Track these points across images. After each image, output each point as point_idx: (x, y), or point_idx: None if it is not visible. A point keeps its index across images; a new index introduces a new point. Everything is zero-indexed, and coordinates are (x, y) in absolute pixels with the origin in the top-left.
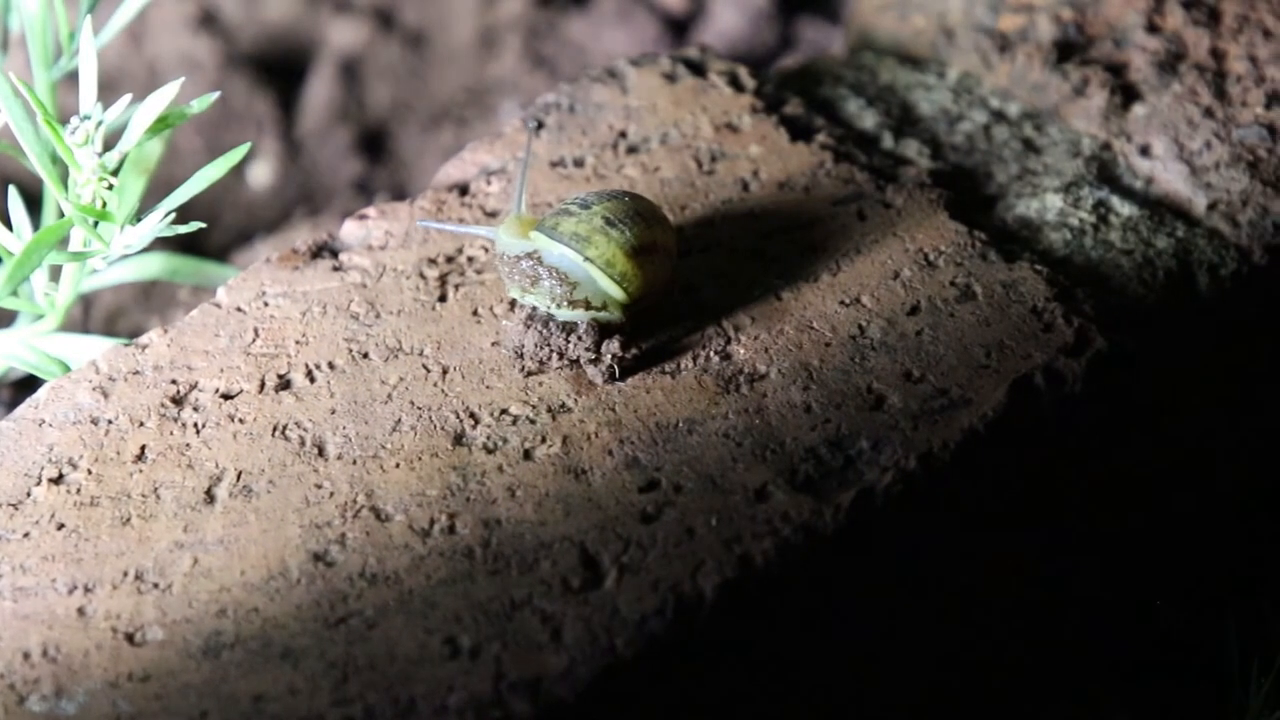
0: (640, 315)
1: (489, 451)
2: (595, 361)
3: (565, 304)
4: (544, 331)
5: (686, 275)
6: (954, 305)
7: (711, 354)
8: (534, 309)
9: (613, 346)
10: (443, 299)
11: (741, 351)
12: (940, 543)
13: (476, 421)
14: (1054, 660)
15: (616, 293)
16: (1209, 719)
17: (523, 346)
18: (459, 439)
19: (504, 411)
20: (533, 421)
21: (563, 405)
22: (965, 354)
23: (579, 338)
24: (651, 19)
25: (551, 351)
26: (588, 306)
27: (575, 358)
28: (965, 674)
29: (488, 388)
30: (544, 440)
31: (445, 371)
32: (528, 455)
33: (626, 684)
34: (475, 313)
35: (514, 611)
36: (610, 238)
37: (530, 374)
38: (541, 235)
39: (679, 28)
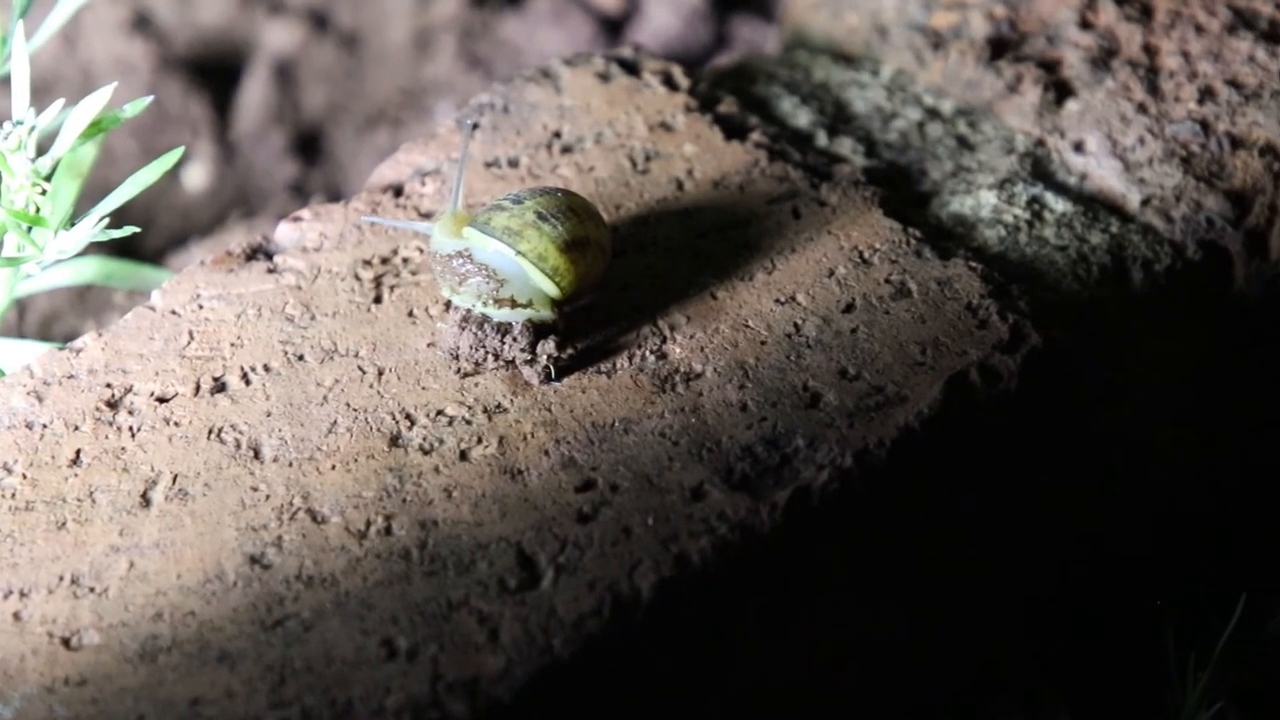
0: (575, 315)
1: (425, 453)
2: (531, 362)
3: (492, 302)
4: (479, 333)
5: (622, 275)
6: (889, 303)
7: (647, 353)
8: (469, 311)
9: (548, 347)
10: (378, 300)
11: (677, 350)
12: (878, 540)
13: (412, 423)
14: (993, 656)
15: (549, 288)
16: (1147, 713)
17: (458, 348)
18: (395, 440)
19: (440, 412)
20: (469, 422)
21: (499, 406)
22: (901, 351)
23: (514, 339)
24: (586, 19)
25: (487, 353)
26: (514, 304)
27: (511, 359)
28: (905, 670)
29: (423, 389)
30: (480, 441)
31: (381, 373)
32: (464, 456)
33: (564, 684)
34: (411, 314)
35: (451, 612)
36: (542, 232)
37: (466, 375)
38: (474, 231)
39: (614, 27)
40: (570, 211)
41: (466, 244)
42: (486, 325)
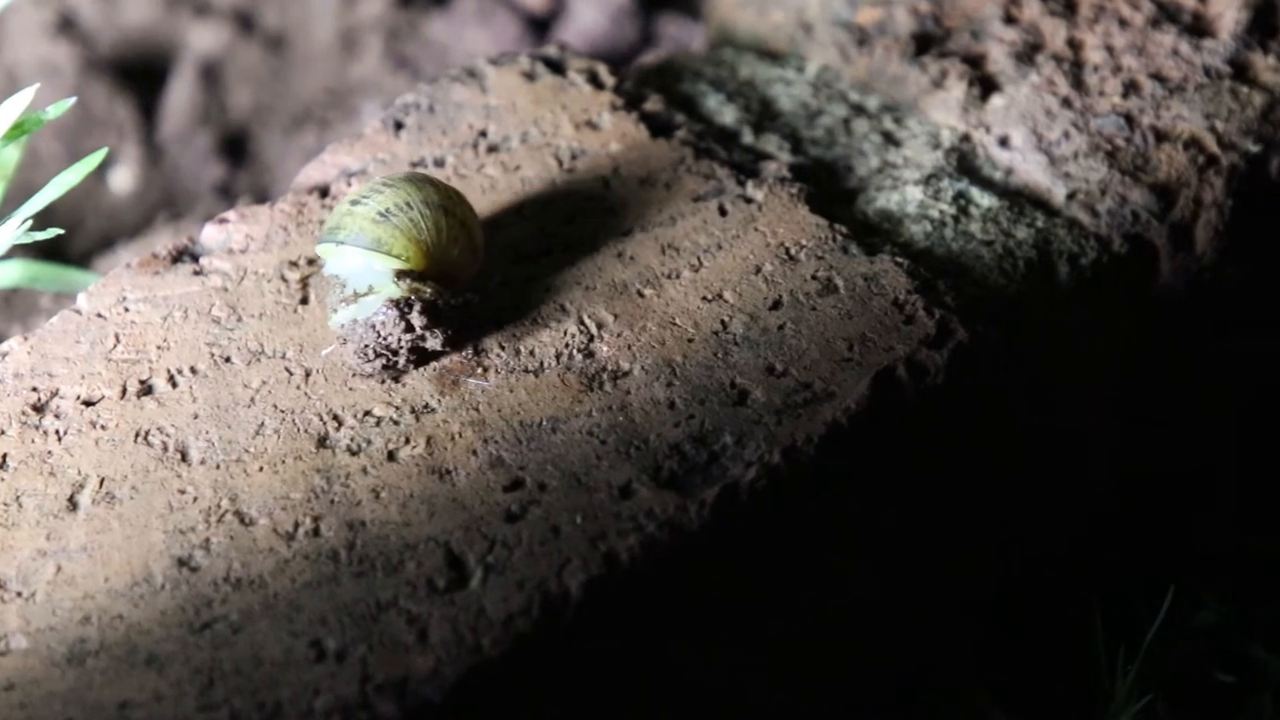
0: (503, 311)
1: (353, 453)
2: (423, 337)
3: (345, 306)
4: (358, 341)
5: (548, 274)
6: (816, 299)
7: (575, 352)
8: (340, 327)
9: (418, 318)
10: (304, 301)
11: (605, 349)
12: (807, 537)
13: (340, 423)
14: (923, 651)
15: (382, 262)
16: (1078, 706)
17: (354, 366)
18: (323, 441)
19: (367, 413)
20: (396, 422)
21: (426, 406)
22: (828, 347)
23: (385, 325)
24: (513, 18)
25: (380, 353)
26: (357, 297)
27: (399, 345)
28: (837, 667)
29: (351, 389)
30: (408, 441)
31: (308, 374)
32: (392, 456)
33: (494, 684)
34: (334, 328)
35: (380, 613)
36: (355, 215)
37: (384, 381)
38: (319, 250)
39: (540, 26)
40: (383, 186)
41: (323, 264)
42: (358, 330)
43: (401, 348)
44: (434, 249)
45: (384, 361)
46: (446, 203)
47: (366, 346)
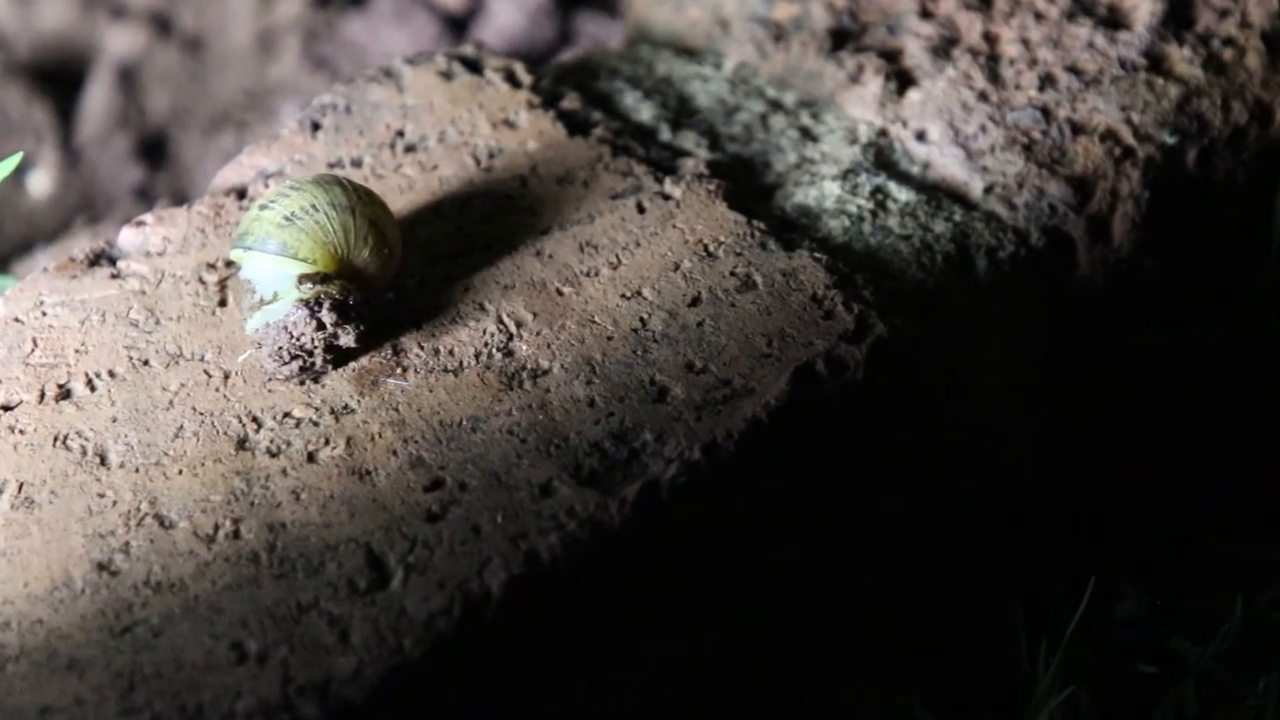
0: (421, 311)
1: (272, 455)
2: (334, 334)
3: (251, 312)
4: (272, 345)
5: (467, 273)
6: (735, 295)
7: (494, 351)
8: (254, 332)
9: (328, 315)
10: (223, 304)
11: (524, 348)
12: (728, 533)
13: (259, 425)
14: (846, 645)
15: (289, 267)
16: (1000, 700)
17: (271, 371)
18: (242, 444)
19: (287, 415)
20: (316, 424)
21: (345, 407)
22: (747, 343)
23: (297, 326)
24: (431, 18)
25: (295, 355)
26: (263, 303)
27: (314, 345)
28: (759, 664)
29: (270, 391)
30: (328, 442)
31: (227, 376)
32: (311, 458)
33: (416, 684)
34: (249, 333)
35: (301, 615)
36: (262, 219)
37: (304, 382)
38: (231, 253)
39: (458, 26)
40: (291, 190)
41: (239, 268)
42: (271, 333)
43: (316, 347)
44: (342, 251)
45: (300, 363)
46: (355, 204)
47: (281, 349)
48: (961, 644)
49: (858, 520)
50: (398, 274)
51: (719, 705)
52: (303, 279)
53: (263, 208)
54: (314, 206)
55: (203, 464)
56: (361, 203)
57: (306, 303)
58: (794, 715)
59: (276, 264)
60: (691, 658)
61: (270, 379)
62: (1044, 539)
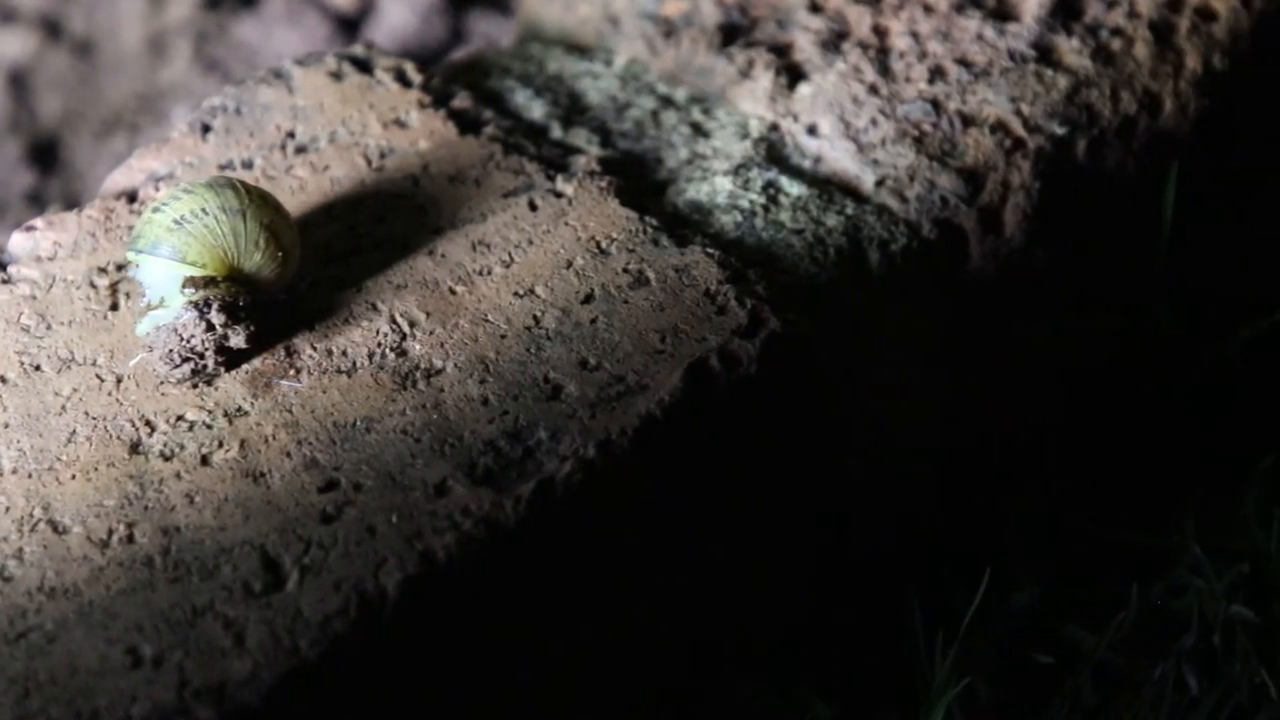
0: (311, 313)
1: (166, 459)
2: (224, 335)
3: (142, 316)
4: (166, 346)
5: (359, 273)
6: (627, 292)
7: (387, 351)
8: (146, 334)
9: (217, 317)
10: (114, 308)
11: (417, 347)
12: (624, 529)
13: (153, 429)
14: (744, 641)
15: (178, 270)
16: (898, 692)
17: (163, 374)
18: (135, 448)
19: (180, 418)
20: (209, 426)
21: (239, 409)
22: (640, 340)
23: (187, 328)
24: (322, 19)
25: (185, 357)
26: (151, 308)
27: (204, 347)
28: (657, 658)
29: (163, 395)
30: (221, 445)
31: (119, 380)
32: (205, 461)
33: (312, 686)
34: (140, 336)
35: (196, 618)
36: (153, 222)
37: (196, 385)
38: (127, 255)
39: (350, 26)
40: (182, 193)
41: (134, 271)
42: (162, 336)
43: (206, 349)
44: (232, 255)
45: (192, 365)
46: (246, 207)
47: (172, 351)
48: (859, 638)
49: (753, 515)
50: (294, 278)
51: (616, 703)
52: (188, 282)
53: (155, 210)
54: (204, 210)
55: (96, 469)
56: (254, 206)
57: (196, 305)
58: (692, 712)
59: (166, 267)
60: (589, 656)
61: (163, 382)
62: (939, 531)
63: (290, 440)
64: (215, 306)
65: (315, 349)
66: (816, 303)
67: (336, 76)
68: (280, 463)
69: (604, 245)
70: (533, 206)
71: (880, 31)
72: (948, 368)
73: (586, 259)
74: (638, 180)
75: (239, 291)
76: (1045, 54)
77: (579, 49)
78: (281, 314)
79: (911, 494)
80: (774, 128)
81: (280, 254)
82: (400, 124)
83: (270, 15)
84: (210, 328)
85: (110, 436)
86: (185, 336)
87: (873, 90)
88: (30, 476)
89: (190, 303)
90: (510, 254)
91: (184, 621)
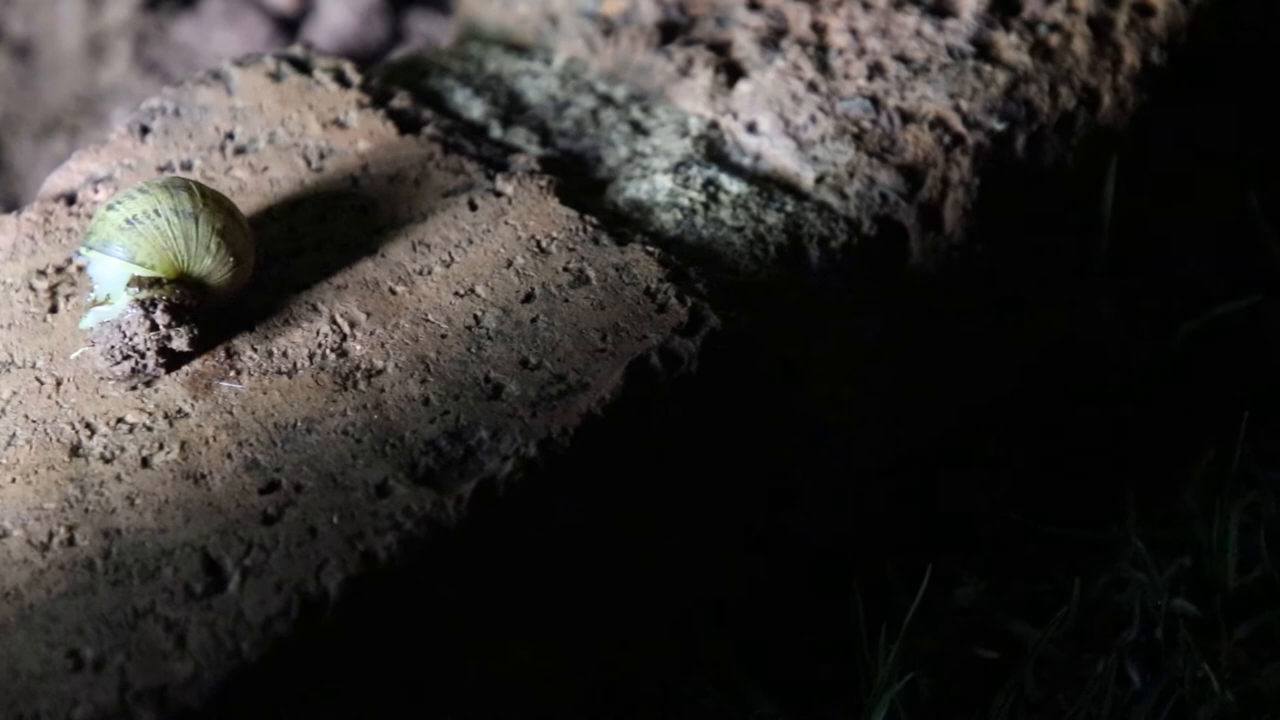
0: (257, 313)
1: (106, 461)
2: (167, 336)
3: (88, 311)
4: (108, 342)
5: (299, 274)
6: (568, 291)
7: (328, 351)
8: (90, 329)
9: (162, 317)
10: (54, 310)
11: (358, 348)
12: (566, 529)
13: (93, 432)
14: (686, 639)
15: (125, 269)
16: (840, 689)
17: (103, 371)
18: (76, 450)
19: (120, 420)
20: (150, 429)
21: (179, 410)
22: (581, 339)
23: (130, 325)
24: (262, 19)
25: (126, 355)
26: (96, 304)
27: (146, 346)
28: (600, 658)
29: (103, 397)
30: (162, 447)
31: (59, 383)
32: (146, 463)
33: (254, 687)
34: (83, 330)
35: (137, 621)
36: (107, 220)
37: (134, 387)
38: (80, 250)
39: (290, 27)
40: (138, 192)
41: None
42: (105, 332)
43: (148, 349)
44: (181, 257)
45: (132, 364)
46: (199, 211)
47: (113, 347)
48: (803, 634)
49: (695, 513)
50: (247, 284)
51: (557, 703)
52: (134, 281)
53: (109, 208)
54: (156, 211)
55: (36, 471)
56: (207, 210)
57: (142, 303)
58: (634, 712)
59: (116, 266)
60: (531, 655)
61: (102, 378)
62: (883, 527)
63: (231, 442)
64: (161, 307)
65: (256, 350)
66: (757, 300)
67: (275, 77)
68: (221, 464)
69: (544, 244)
70: (473, 206)
71: (819, 28)
72: (889, 364)
73: (527, 258)
74: (577, 179)
75: (186, 294)
76: (984, 50)
77: (518, 48)
78: (222, 315)
79: (854, 490)
80: (714, 125)
81: (232, 260)
82: (339, 124)
83: (209, 16)
84: (154, 327)
85: (50, 439)
86: (128, 334)
87: (812, 87)
88: None
89: (136, 300)
90: (450, 253)
91: (125, 624)
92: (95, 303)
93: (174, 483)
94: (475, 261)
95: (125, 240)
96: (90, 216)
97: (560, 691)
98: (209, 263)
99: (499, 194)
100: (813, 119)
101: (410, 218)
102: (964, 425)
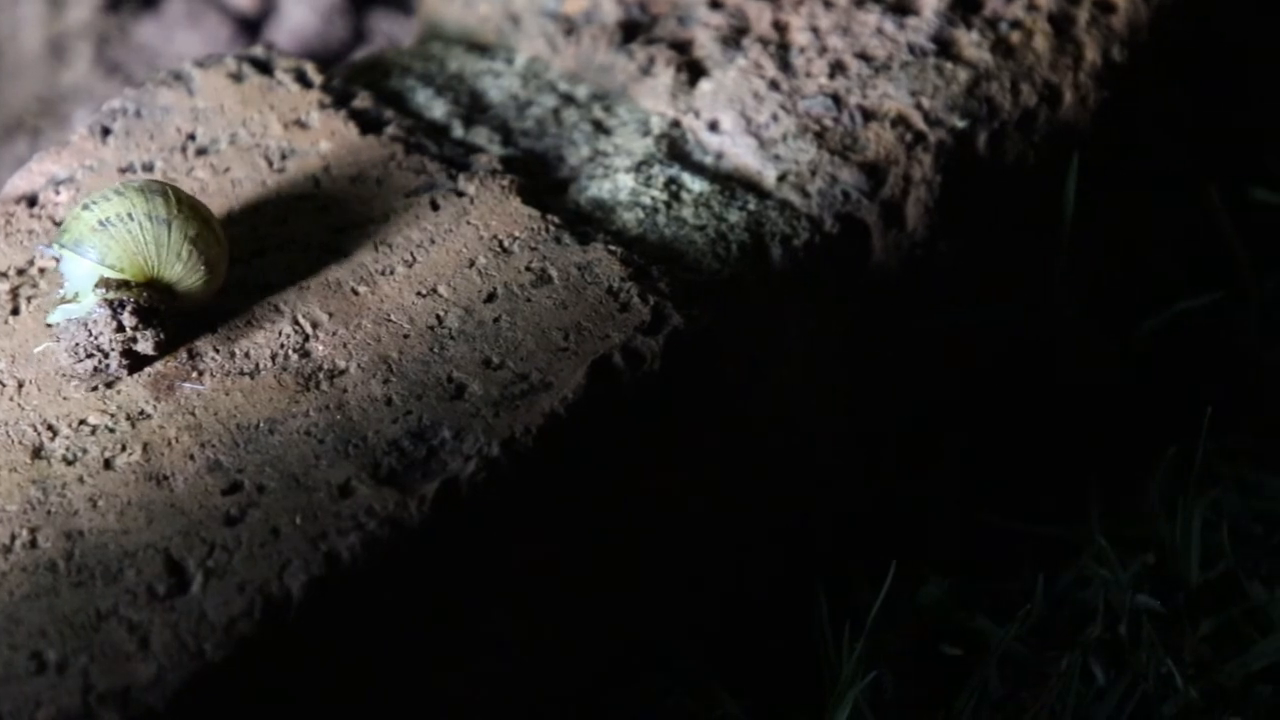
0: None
1: (69, 463)
2: (133, 338)
3: (56, 308)
4: (73, 339)
5: (261, 274)
6: (530, 290)
7: (290, 352)
8: (56, 324)
9: (130, 319)
10: (15, 312)
11: (320, 348)
12: (530, 527)
13: (55, 433)
14: (650, 639)
15: (93, 271)
16: (804, 687)
17: (66, 369)
18: (38, 452)
19: (82, 422)
20: (112, 430)
21: (142, 412)
22: (544, 338)
23: (96, 324)
24: (224, 20)
25: (90, 353)
26: (65, 301)
27: (110, 346)
28: (564, 657)
29: (65, 399)
30: (124, 449)
31: (21, 385)
32: (108, 465)
33: (218, 688)
34: (49, 325)
35: (100, 622)
36: (80, 219)
37: (95, 388)
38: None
39: (252, 27)
40: (113, 194)
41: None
42: (70, 328)
43: (113, 349)
44: (151, 263)
45: (95, 363)
46: (172, 217)
47: (78, 345)
48: (767, 633)
49: (659, 513)
50: (219, 291)
51: (523, 703)
52: (103, 282)
53: (84, 208)
54: (130, 215)
55: None
56: (181, 217)
57: (110, 303)
58: (600, 712)
59: (87, 266)
60: (495, 656)
61: (64, 377)
62: (845, 524)
63: (193, 443)
64: (129, 309)
65: (218, 351)
66: (720, 298)
67: (236, 78)
68: (183, 465)
69: (506, 244)
70: (435, 206)
71: (780, 27)
72: (852, 361)
73: (489, 258)
74: (540, 178)
75: (155, 298)
76: (945, 47)
77: (480, 48)
78: (186, 317)
79: (818, 488)
80: (675, 124)
81: (204, 268)
82: (301, 125)
83: (171, 17)
84: (120, 328)
85: (12, 441)
86: (94, 333)
87: (773, 86)
88: None
89: (105, 300)
90: (413, 253)
91: (88, 626)
92: (64, 299)
93: (136, 484)
94: (437, 261)
95: (97, 241)
96: (52, 219)
97: (525, 691)
98: (179, 269)
99: (461, 194)
100: (774, 117)
101: (372, 218)
102: (927, 422)
